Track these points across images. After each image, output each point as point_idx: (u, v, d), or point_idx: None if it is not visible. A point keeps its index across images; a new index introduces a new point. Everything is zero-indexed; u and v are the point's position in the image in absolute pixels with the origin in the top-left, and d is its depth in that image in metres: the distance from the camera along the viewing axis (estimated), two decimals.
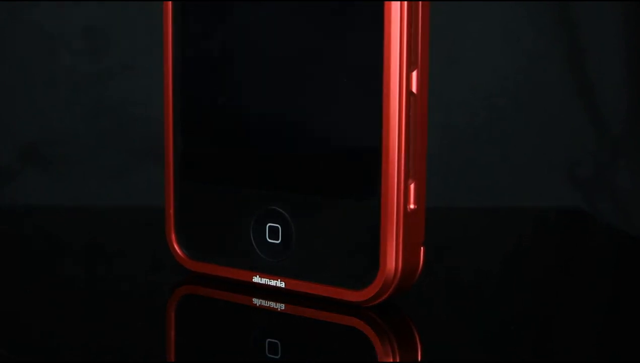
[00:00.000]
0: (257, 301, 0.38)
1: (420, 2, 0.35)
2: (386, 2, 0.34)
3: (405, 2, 0.34)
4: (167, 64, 0.40)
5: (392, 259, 0.35)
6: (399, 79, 0.35)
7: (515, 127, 1.01)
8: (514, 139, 1.00)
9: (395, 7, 0.34)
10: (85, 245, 0.49)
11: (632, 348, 0.35)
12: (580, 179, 0.98)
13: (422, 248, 0.37)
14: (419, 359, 0.33)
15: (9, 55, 0.81)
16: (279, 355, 0.33)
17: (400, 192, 0.35)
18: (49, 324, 0.36)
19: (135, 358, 0.33)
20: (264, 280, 0.38)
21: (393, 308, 0.37)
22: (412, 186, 0.36)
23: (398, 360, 0.33)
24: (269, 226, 0.38)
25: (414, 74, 0.35)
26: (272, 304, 0.38)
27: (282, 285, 0.38)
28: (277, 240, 0.38)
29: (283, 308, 0.37)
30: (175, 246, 0.41)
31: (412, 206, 0.36)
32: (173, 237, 0.41)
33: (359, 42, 0.35)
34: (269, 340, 0.35)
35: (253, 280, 0.39)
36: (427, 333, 0.36)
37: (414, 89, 0.35)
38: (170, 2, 0.40)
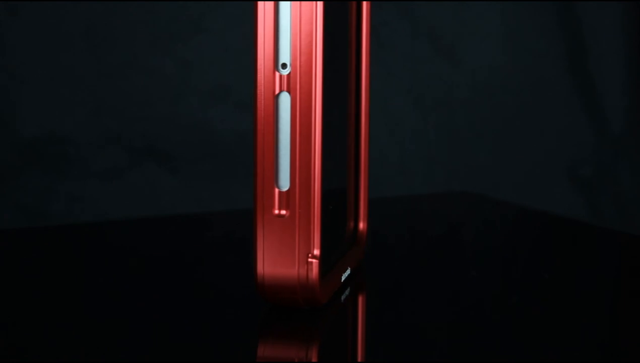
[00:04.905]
0: None
1: (301, 2, 0.34)
2: (255, 2, 0.34)
3: (273, 2, 0.34)
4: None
5: (257, 263, 0.35)
6: (263, 79, 0.34)
7: (516, 126, 1.01)
8: (515, 139, 1.00)
9: (256, 6, 0.34)
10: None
11: (633, 349, 0.34)
12: (581, 178, 0.98)
13: (312, 260, 0.35)
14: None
15: (10, 54, 0.81)
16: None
17: (264, 196, 0.35)
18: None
19: None
20: None
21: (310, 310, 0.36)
22: (278, 191, 0.35)
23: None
24: None
25: (291, 74, 0.34)
26: None
27: None
28: None
29: None
30: None
31: (277, 211, 0.35)
32: None
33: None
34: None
35: None
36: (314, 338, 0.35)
37: (289, 90, 0.34)
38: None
